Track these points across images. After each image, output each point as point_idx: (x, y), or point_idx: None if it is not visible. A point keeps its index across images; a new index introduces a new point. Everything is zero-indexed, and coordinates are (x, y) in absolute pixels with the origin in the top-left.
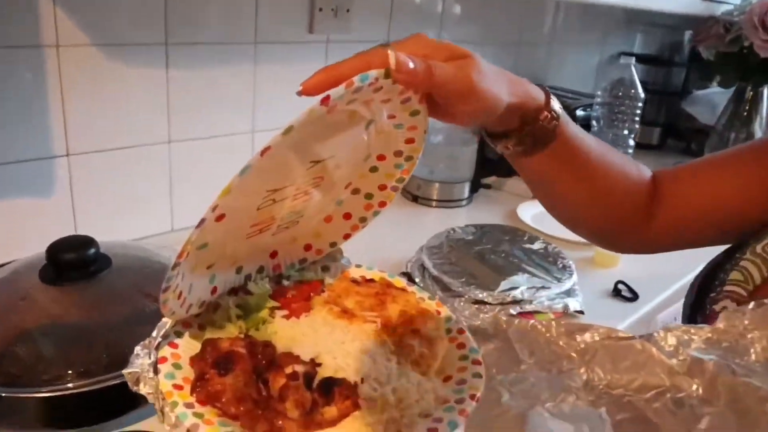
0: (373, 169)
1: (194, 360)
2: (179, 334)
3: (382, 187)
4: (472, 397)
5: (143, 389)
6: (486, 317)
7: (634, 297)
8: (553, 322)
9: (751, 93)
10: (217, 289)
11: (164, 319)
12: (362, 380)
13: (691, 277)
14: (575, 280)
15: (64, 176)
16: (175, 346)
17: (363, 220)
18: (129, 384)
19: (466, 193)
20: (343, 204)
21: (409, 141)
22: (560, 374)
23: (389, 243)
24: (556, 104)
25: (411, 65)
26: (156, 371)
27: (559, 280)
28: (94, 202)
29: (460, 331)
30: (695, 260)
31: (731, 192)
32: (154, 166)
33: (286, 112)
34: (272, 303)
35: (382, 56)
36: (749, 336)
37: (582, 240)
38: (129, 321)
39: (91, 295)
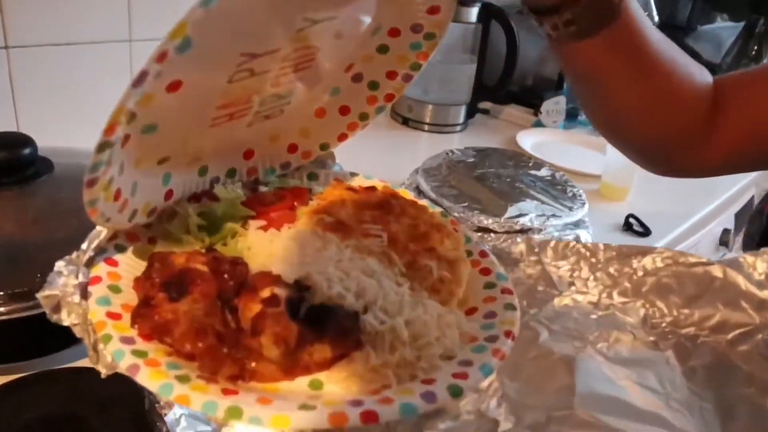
0: (382, 49)
1: (138, 281)
2: (121, 249)
3: (392, 75)
4: (508, 334)
5: (66, 318)
6: (508, 240)
7: (646, 232)
8: (601, 244)
9: (763, 27)
10: (173, 193)
11: (98, 229)
12: (365, 309)
13: (704, 213)
14: (587, 210)
15: (2, 72)
16: (113, 263)
17: (364, 117)
18: (46, 312)
19: (462, 118)
20: (340, 93)
21: (433, 11)
22: (611, 309)
23: (377, 168)
24: None
25: None
26: (85, 295)
27: (570, 209)
28: (40, 105)
29: (483, 254)
30: (708, 196)
31: None
32: (113, 67)
33: None
34: (245, 211)
35: None
36: None
37: (587, 170)
38: (71, 238)
39: (25, 204)
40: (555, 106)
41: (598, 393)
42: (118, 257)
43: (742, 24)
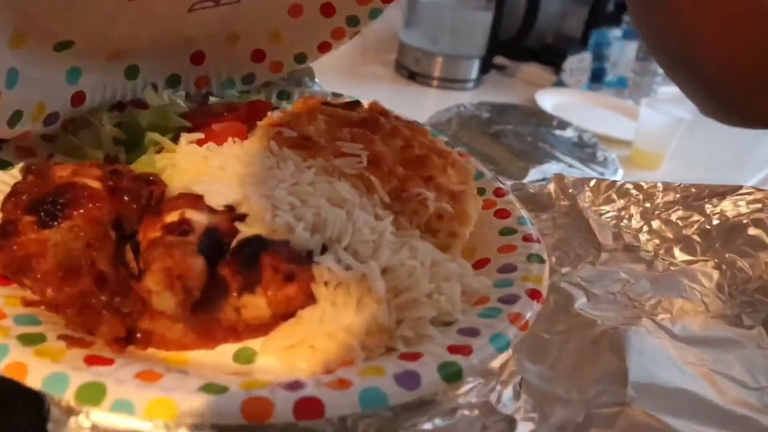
0: None
1: (6, 200)
2: (5, 165)
3: None
4: (533, 294)
5: None
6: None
7: None
8: (660, 183)
9: None
10: (85, 96)
11: None
12: (324, 249)
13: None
14: (621, 175)
15: None
16: None
17: (353, 21)
18: None
19: (474, 73)
20: None
21: None
22: (671, 270)
23: None
24: None
25: None
26: None
27: (601, 174)
28: None
29: (499, 193)
30: (752, 166)
31: None
32: None
33: None
34: (178, 122)
35: None
36: None
37: (616, 135)
38: None
39: None
40: (579, 64)
41: (661, 383)
42: None
43: None
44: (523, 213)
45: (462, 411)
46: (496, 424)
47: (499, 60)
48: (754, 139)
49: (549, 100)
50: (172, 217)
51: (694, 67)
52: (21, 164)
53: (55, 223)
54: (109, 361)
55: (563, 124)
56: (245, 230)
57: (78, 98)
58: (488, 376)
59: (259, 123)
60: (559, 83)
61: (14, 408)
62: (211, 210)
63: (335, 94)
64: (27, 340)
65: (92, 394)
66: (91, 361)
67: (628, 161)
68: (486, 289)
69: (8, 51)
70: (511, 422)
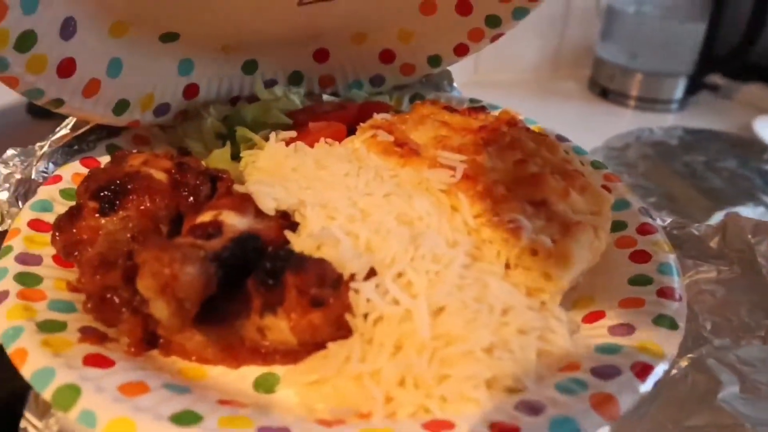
0: None
1: (81, 183)
2: (113, 150)
3: None
4: (641, 370)
5: None
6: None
7: None
8: None
9: None
10: (198, 88)
11: (68, 119)
12: (372, 273)
13: None
14: None
15: None
16: (93, 164)
17: (494, 21)
18: None
19: (679, 93)
20: None
21: None
22: None
23: None
24: None
25: None
26: (25, 195)
27: None
28: None
29: (645, 230)
30: None
31: None
32: None
33: None
34: (279, 118)
35: None
36: None
37: None
38: None
39: None
40: None
41: None
42: (104, 159)
43: None
44: (670, 259)
45: None
46: None
47: (712, 79)
48: None
49: None
50: (205, 217)
51: None
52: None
53: (113, 212)
54: (108, 364)
55: None
56: (293, 240)
57: (191, 90)
58: None
59: (361, 124)
60: None
61: None
62: (259, 214)
63: (473, 101)
64: (45, 327)
65: (66, 397)
66: (90, 360)
67: None
68: (582, 353)
69: (110, 40)
70: None
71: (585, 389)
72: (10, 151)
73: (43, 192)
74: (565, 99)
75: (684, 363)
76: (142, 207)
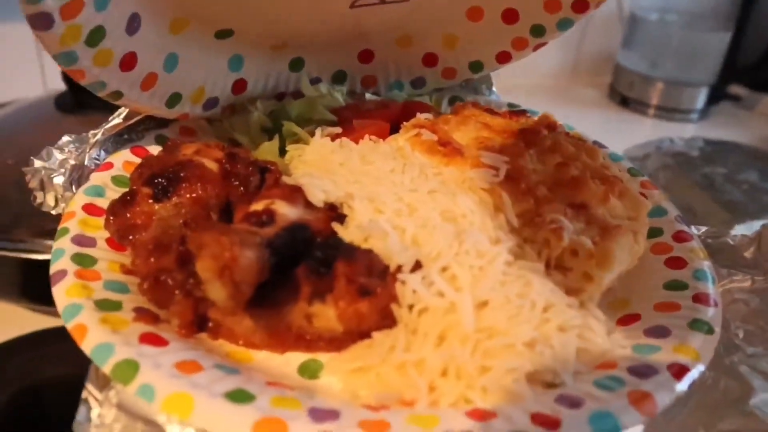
0: None
1: (135, 170)
2: (163, 141)
3: None
4: (678, 371)
5: (48, 202)
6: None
7: None
8: None
9: None
10: (246, 84)
11: (119, 110)
12: (417, 265)
13: None
14: None
15: None
16: (142, 153)
17: (538, 31)
18: (30, 188)
19: (701, 103)
20: None
21: None
22: None
23: None
24: None
25: None
26: (78, 180)
27: None
28: None
29: (681, 237)
30: None
31: None
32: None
33: None
34: (324, 114)
35: None
36: None
37: None
38: None
39: None
40: None
41: None
42: (153, 149)
43: None
44: (705, 266)
45: None
46: None
47: (734, 89)
48: None
49: None
50: (258, 206)
51: None
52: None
53: (166, 198)
54: (162, 343)
55: None
56: (341, 232)
57: (239, 86)
58: None
59: (404, 123)
60: None
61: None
62: (308, 205)
63: (511, 105)
64: (102, 305)
65: (125, 372)
66: (145, 339)
67: None
68: (620, 353)
69: (169, 35)
70: None
71: (623, 386)
72: (65, 138)
73: (96, 178)
74: (584, 106)
75: (717, 369)
76: (194, 194)
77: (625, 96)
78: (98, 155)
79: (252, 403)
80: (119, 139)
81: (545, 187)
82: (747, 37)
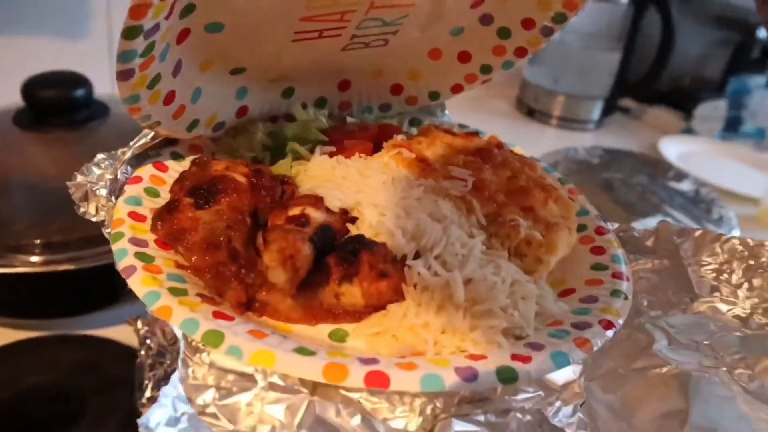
0: None
1: (174, 183)
2: (177, 157)
3: (528, 24)
4: (605, 324)
5: (92, 213)
6: (644, 226)
7: None
8: (767, 242)
9: None
10: (248, 109)
11: (145, 131)
12: (417, 255)
13: None
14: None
15: (100, 15)
16: (162, 168)
17: (486, 69)
18: (75, 202)
19: (596, 114)
20: (463, 35)
21: None
22: (765, 329)
23: None
24: None
25: None
26: (117, 192)
27: None
28: (104, 48)
29: (600, 231)
30: None
31: None
32: None
33: None
34: (317, 135)
35: None
36: None
37: (743, 190)
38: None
39: (74, 149)
40: (713, 111)
41: (723, 428)
42: (170, 164)
43: None
44: (619, 252)
45: (515, 413)
46: (545, 428)
47: (624, 102)
48: None
49: (674, 148)
50: (294, 211)
51: None
52: (191, 157)
53: (207, 206)
54: (230, 318)
55: (680, 176)
56: (354, 230)
57: (242, 111)
58: (549, 390)
59: (384, 143)
60: (688, 130)
61: (114, 390)
62: (328, 211)
63: (461, 126)
64: (174, 292)
65: (214, 338)
66: (217, 315)
67: (752, 221)
68: (563, 314)
69: (198, 74)
70: None
71: (569, 336)
72: (99, 156)
73: (131, 190)
74: (495, 116)
75: (629, 326)
76: (231, 203)
77: (531, 107)
78: (126, 170)
79: (315, 355)
80: (139, 156)
81: (502, 195)
82: (635, 56)
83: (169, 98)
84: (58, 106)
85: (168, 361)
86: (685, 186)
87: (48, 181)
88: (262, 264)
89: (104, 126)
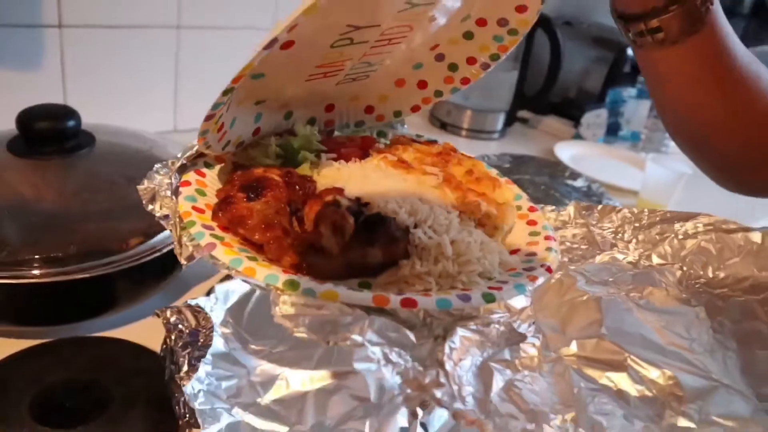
0: (468, 35)
1: (221, 189)
2: (209, 166)
3: (471, 61)
4: (548, 270)
5: (158, 210)
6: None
7: None
8: (647, 210)
9: None
10: (260, 130)
11: (191, 144)
12: (416, 225)
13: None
14: None
15: (54, 50)
16: (201, 174)
17: (438, 94)
18: (143, 202)
19: (500, 125)
20: (422, 69)
21: (521, 9)
22: (649, 269)
23: None
24: None
25: None
26: (176, 193)
27: None
28: (89, 86)
29: (532, 209)
30: (753, 220)
31: None
32: (159, 53)
33: None
34: (319, 146)
35: None
36: None
37: (624, 185)
38: (106, 209)
39: (64, 175)
40: (596, 119)
41: (626, 330)
42: (205, 171)
43: None
44: (547, 223)
45: (494, 325)
46: (513, 336)
47: (523, 113)
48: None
49: (567, 152)
50: (329, 198)
51: (700, 154)
52: (218, 165)
53: (257, 199)
54: (294, 273)
55: (575, 175)
56: (368, 211)
57: (257, 131)
58: (512, 312)
59: (371, 150)
60: (577, 136)
61: (133, 379)
62: (348, 198)
63: (418, 135)
64: (249, 258)
65: (292, 285)
66: (285, 272)
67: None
68: (516, 263)
69: (236, 106)
70: (522, 336)
71: (523, 275)
72: (157, 165)
73: (186, 191)
74: (413, 129)
75: (558, 274)
76: (275, 196)
77: (443, 121)
78: (176, 177)
79: (364, 291)
80: (181, 166)
81: (464, 184)
82: (530, 74)
83: (220, 128)
84: (52, 136)
85: (201, 340)
86: (579, 183)
87: (43, 205)
88: (309, 236)
89: (92, 153)
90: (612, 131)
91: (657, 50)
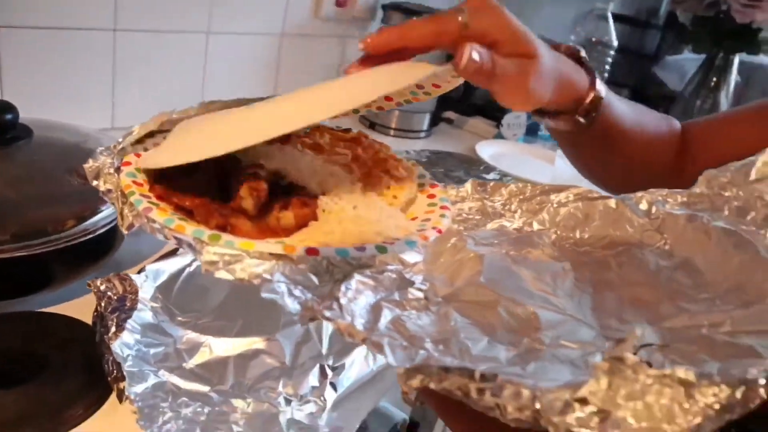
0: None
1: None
2: (147, 150)
3: (389, 99)
4: (438, 231)
5: (102, 186)
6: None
7: None
8: (530, 184)
9: (722, 60)
10: None
11: (132, 128)
12: (323, 194)
13: None
14: None
15: None
16: (139, 156)
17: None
18: (88, 178)
19: (426, 125)
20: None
21: (436, 85)
22: (530, 233)
23: None
24: (601, 90)
25: (477, 62)
26: (118, 171)
27: None
28: (27, 85)
29: (433, 186)
30: None
31: (760, 147)
32: (96, 54)
33: (245, 16)
34: None
35: (452, 31)
36: (726, 194)
37: (535, 178)
38: (43, 197)
39: (3, 164)
40: (515, 120)
41: (503, 280)
42: (143, 154)
43: (704, 56)
44: (445, 196)
45: (387, 273)
46: (402, 282)
47: (448, 114)
48: None
49: (488, 150)
50: (249, 170)
51: (606, 188)
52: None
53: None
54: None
55: (488, 169)
56: (283, 183)
57: None
58: (405, 265)
59: (292, 136)
60: (499, 135)
61: (68, 348)
62: (268, 171)
63: (337, 126)
64: (180, 219)
65: (215, 237)
66: (211, 229)
67: None
68: (411, 227)
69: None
70: (411, 283)
71: (414, 235)
72: (100, 148)
73: (127, 169)
74: (343, 126)
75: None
76: (205, 171)
77: (372, 121)
78: (118, 158)
79: (276, 245)
80: (122, 149)
81: (371, 162)
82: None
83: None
84: None
85: (128, 304)
86: (491, 176)
87: None
88: (232, 202)
89: (29, 145)
90: (531, 131)
91: (559, 134)
